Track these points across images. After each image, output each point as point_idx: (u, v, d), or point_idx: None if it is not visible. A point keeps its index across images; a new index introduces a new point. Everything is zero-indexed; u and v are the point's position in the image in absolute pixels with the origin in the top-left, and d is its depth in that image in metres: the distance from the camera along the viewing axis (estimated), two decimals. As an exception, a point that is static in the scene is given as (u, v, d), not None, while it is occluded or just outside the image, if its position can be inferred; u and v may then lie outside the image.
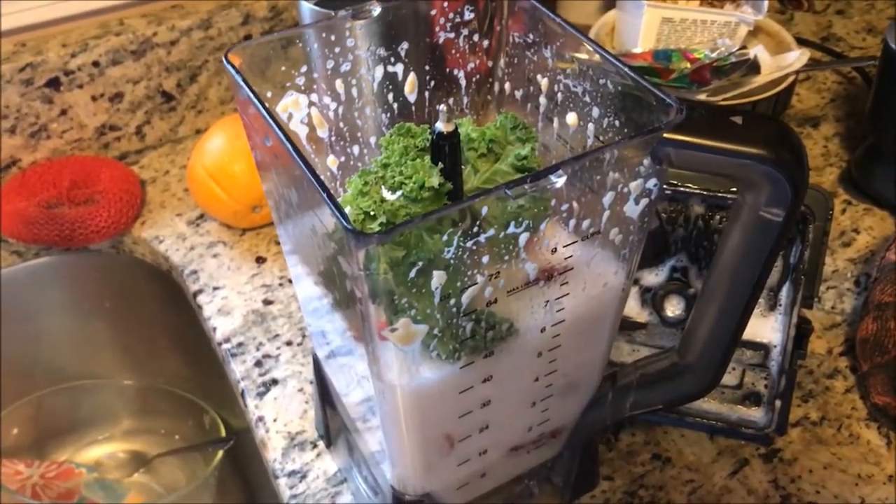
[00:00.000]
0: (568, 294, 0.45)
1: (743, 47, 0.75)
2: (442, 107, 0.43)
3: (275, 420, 0.67)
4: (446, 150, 0.44)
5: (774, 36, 0.84)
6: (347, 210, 0.43)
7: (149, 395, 0.98)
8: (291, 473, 0.63)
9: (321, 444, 0.65)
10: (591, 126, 0.48)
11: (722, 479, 0.62)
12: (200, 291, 0.78)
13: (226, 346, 0.73)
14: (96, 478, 0.96)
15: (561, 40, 0.48)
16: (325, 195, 0.37)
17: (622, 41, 0.84)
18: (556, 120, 0.51)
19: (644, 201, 0.43)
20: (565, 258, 0.43)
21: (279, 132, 0.40)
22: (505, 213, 0.40)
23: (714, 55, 0.75)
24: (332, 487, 0.62)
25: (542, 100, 0.51)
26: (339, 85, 0.51)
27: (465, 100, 0.55)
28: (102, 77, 0.86)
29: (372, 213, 0.43)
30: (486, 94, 0.55)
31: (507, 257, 0.41)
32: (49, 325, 0.91)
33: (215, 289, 0.78)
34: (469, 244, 0.39)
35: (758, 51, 0.76)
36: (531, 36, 0.50)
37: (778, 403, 0.61)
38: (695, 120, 0.40)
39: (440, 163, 0.44)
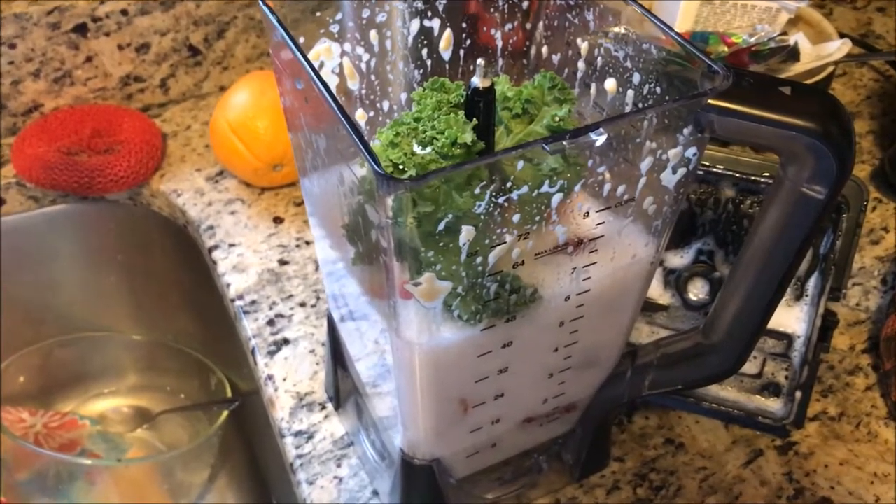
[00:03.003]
0: (596, 263, 0.44)
1: (783, 33, 0.74)
2: (480, 61, 0.42)
3: (284, 379, 0.66)
4: (481, 107, 0.43)
5: (815, 26, 0.82)
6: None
7: (157, 352, 0.98)
8: (298, 433, 0.62)
9: (329, 406, 0.64)
10: (630, 93, 0.46)
11: (735, 469, 0.61)
12: (216, 247, 0.77)
13: (238, 303, 0.72)
14: (99, 430, 0.96)
15: (603, 3, 0.46)
16: (356, 137, 0.36)
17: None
18: (593, 86, 0.49)
19: (682, 171, 0.42)
20: (596, 224, 0.42)
21: (311, 72, 0.39)
22: (538, 175, 0.38)
23: (753, 40, 0.74)
24: (338, 450, 0.61)
25: (581, 64, 0.50)
26: (373, 36, 0.49)
27: (501, 62, 0.54)
28: (130, 26, 0.85)
29: (401, 165, 0.41)
30: (522, 57, 0.54)
31: (537, 218, 0.40)
32: (61, 274, 0.91)
33: (231, 245, 0.77)
34: (500, 200, 0.38)
35: (798, 38, 0.75)
36: (573, -2, 0.49)
37: (798, 395, 0.60)
38: (742, 88, 0.39)
39: (470, 119, 0.43)
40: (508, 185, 0.37)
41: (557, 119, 0.44)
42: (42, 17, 0.81)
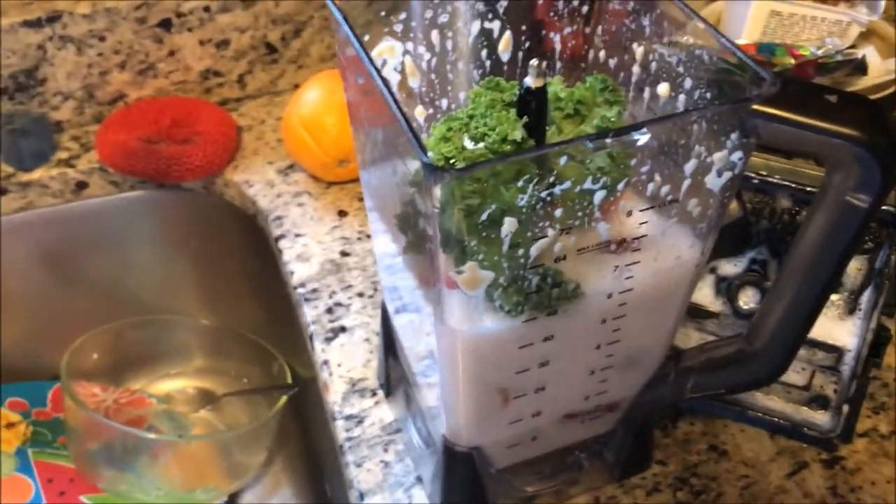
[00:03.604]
0: (639, 262, 0.45)
1: (851, 47, 0.73)
2: (534, 61, 0.43)
3: (339, 365, 0.69)
4: (532, 106, 0.44)
5: (888, 40, 0.81)
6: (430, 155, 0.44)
7: (223, 337, 1.02)
8: (349, 417, 0.65)
9: (380, 393, 0.66)
10: (682, 97, 0.47)
11: (778, 479, 0.61)
12: (283, 237, 0.80)
13: (300, 290, 0.75)
14: (165, 409, 1.00)
15: (660, 8, 0.47)
16: (407, 128, 0.38)
17: (728, 32, 0.82)
18: (647, 90, 0.50)
19: (727, 175, 0.43)
20: (640, 223, 0.43)
21: (369, 64, 0.41)
22: (581, 172, 0.40)
23: (820, 52, 0.73)
24: (386, 435, 0.64)
25: (636, 69, 0.51)
26: (434, 36, 0.51)
27: (559, 65, 0.55)
28: (212, 23, 0.89)
29: (452, 159, 0.43)
30: (580, 60, 0.55)
31: (580, 214, 0.41)
32: (137, 258, 0.95)
33: (297, 235, 0.80)
34: (543, 195, 0.39)
35: (867, 52, 0.74)
36: (631, 2, 0.50)
37: (846, 409, 0.60)
38: (787, 94, 0.40)
39: (522, 117, 0.44)
40: (552, 179, 0.39)
41: (607, 120, 0.45)
42: (130, 11, 0.85)
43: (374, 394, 0.66)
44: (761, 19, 0.77)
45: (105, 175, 0.88)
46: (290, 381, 0.96)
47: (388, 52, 0.51)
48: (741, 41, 0.77)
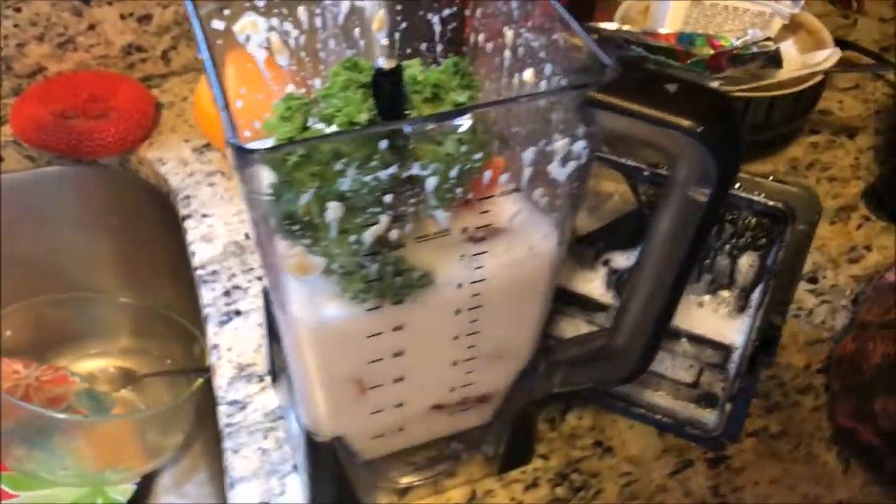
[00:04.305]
0: (486, 252, 0.44)
1: (767, 38, 0.71)
2: (384, 41, 0.42)
3: (229, 349, 0.67)
4: (386, 88, 0.43)
5: (815, 34, 0.79)
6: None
7: (146, 316, 1.00)
8: (232, 402, 0.64)
9: (267, 379, 0.65)
10: (543, 84, 0.46)
11: (660, 477, 0.60)
12: (189, 216, 0.78)
13: (200, 271, 0.74)
14: (87, 388, 0.99)
15: (524, -9, 0.46)
16: (221, 101, 0.36)
17: (653, 20, 0.81)
18: (517, 76, 0.49)
19: (572, 164, 0.41)
20: (480, 212, 0.42)
21: (200, 36, 0.39)
22: (409, 154, 0.38)
23: (739, 43, 0.72)
24: (268, 422, 0.62)
25: (507, 53, 0.49)
26: (301, 12, 0.50)
27: (440, 47, 0.54)
28: (133, -4, 0.87)
29: (290, 140, 0.42)
30: (460, 43, 0.54)
31: (412, 201, 0.39)
32: (57, 234, 0.94)
33: (203, 216, 0.78)
34: (368, 179, 0.38)
35: (785, 45, 0.72)
36: (500, -16, 0.48)
37: (728, 407, 0.59)
38: (625, 82, 0.38)
39: (376, 100, 0.43)
40: (372, 164, 0.37)
41: (457, 104, 0.44)
42: (46, -18, 0.83)
43: (261, 380, 0.65)
44: (683, 8, 0.76)
45: (20, 149, 0.86)
46: (208, 363, 0.94)
47: (251, 28, 0.49)
48: (663, 30, 0.76)
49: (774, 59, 0.71)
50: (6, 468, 0.87)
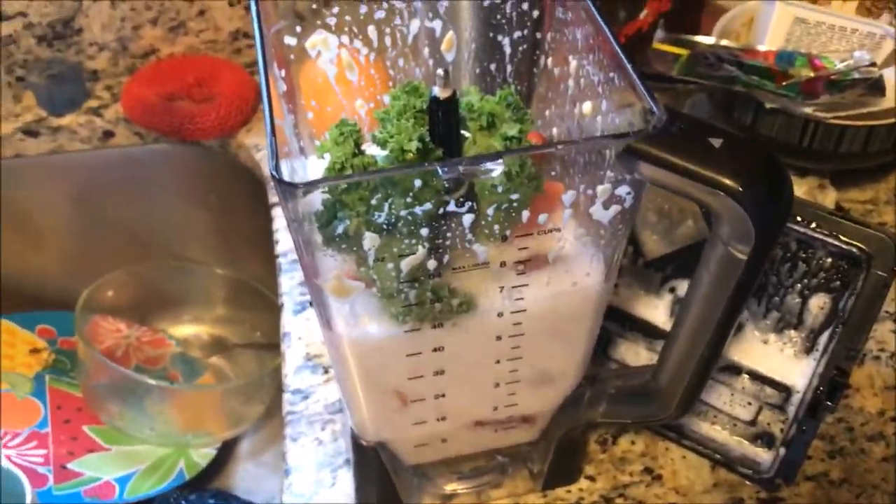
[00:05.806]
0: (527, 285, 0.44)
1: (872, 64, 0.68)
2: (440, 71, 0.42)
3: (299, 338, 0.70)
4: (439, 116, 0.44)
5: (932, 57, 0.75)
6: (327, 157, 0.44)
7: (239, 288, 1.05)
8: (296, 391, 0.66)
9: (332, 371, 0.67)
10: (599, 119, 0.45)
11: (707, 512, 0.59)
12: (277, 204, 0.81)
13: (282, 259, 0.77)
14: (181, 352, 1.05)
15: (586, 25, 0.45)
16: (269, 128, 0.38)
17: (756, 35, 0.78)
18: (578, 105, 0.49)
19: (615, 208, 0.41)
20: (519, 248, 0.42)
21: (260, 55, 0.41)
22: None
23: (842, 66, 0.68)
24: (327, 414, 0.65)
25: (571, 82, 0.49)
26: (371, 31, 0.51)
27: (509, 68, 0.54)
28: (242, -16, 0.90)
29: (340, 164, 0.43)
30: (531, 65, 0.53)
31: (449, 235, 0.40)
32: (159, 207, 0.99)
33: (290, 205, 0.81)
34: (404, 213, 0.39)
35: (889, 71, 0.68)
36: (569, 14, 0.48)
37: (782, 451, 0.57)
38: (669, 134, 0.38)
39: (429, 128, 0.43)
40: (408, 200, 0.38)
41: (507, 137, 0.44)
42: (162, -31, 0.87)
43: (325, 371, 0.68)
44: (785, 25, 0.73)
45: (129, 126, 0.91)
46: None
47: (322, 45, 0.51)
48: (762, 47, 0.73)
49: (877, 87, 0.67)
50: (101, 422, 0.94)
